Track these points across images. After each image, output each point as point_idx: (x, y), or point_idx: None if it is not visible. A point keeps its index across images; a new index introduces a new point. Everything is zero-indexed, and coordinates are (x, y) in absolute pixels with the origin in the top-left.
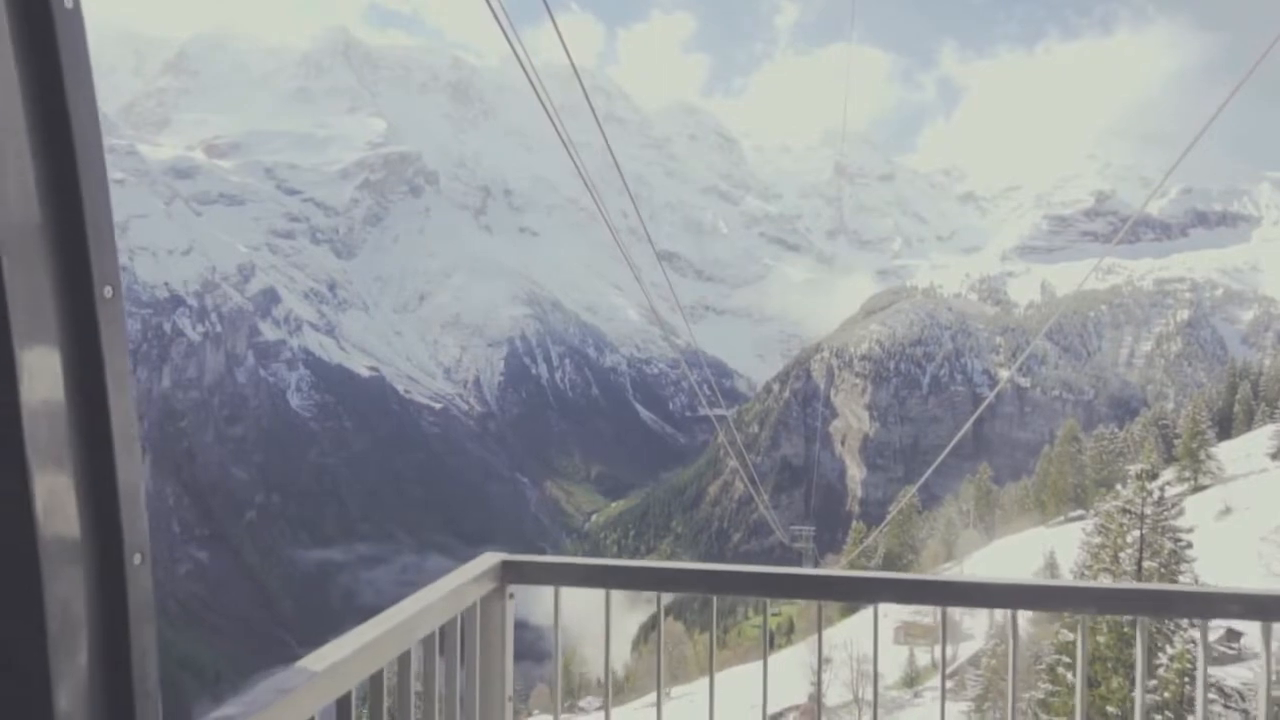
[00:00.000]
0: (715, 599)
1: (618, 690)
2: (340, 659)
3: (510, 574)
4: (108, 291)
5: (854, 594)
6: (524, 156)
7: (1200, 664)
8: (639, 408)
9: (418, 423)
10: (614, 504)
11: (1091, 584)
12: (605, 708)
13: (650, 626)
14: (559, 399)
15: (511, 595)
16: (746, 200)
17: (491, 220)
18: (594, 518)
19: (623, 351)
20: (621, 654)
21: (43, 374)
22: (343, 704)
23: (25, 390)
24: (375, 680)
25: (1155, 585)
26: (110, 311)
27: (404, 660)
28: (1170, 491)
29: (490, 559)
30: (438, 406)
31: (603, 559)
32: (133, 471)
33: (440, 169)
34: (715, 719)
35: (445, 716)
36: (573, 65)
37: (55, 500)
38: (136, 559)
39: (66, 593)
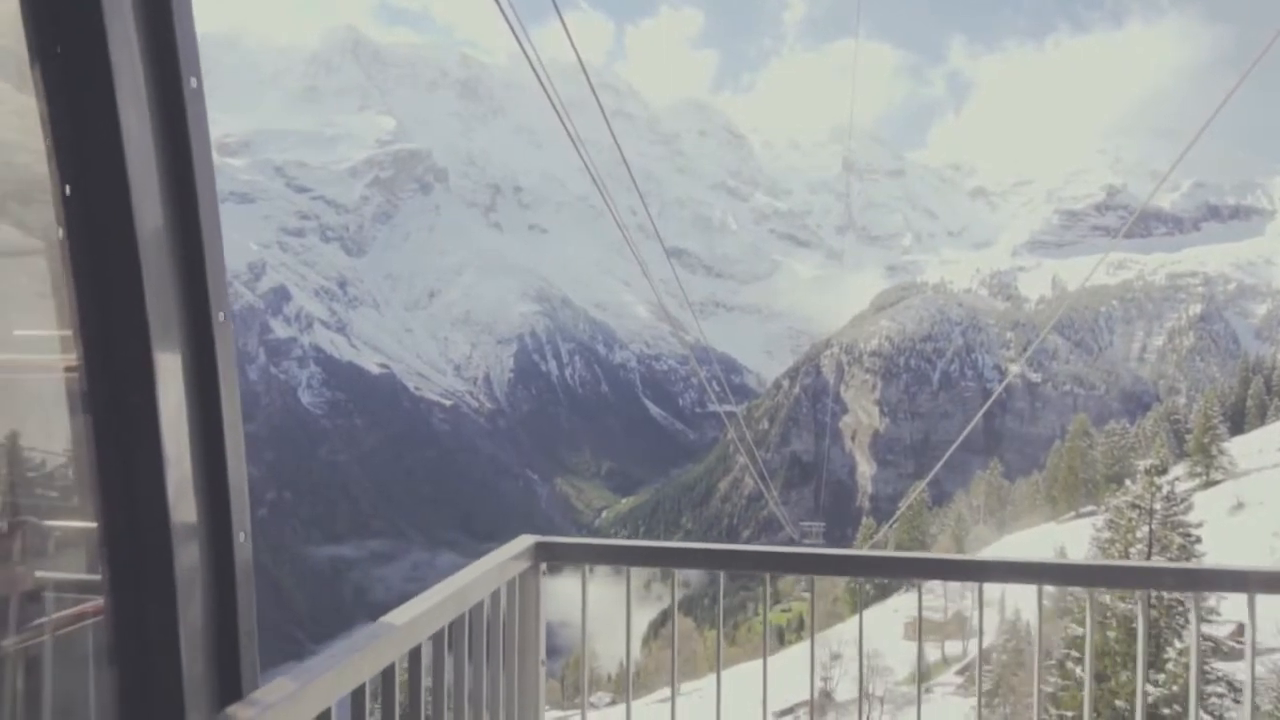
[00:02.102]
0: (722, 577)
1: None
2: (411, 618)
3: (543, 553)
4: (221, 316)
5: (870, 571)
6: (533, 153)
7: (1193, 627)
8: (649, 404)
9: (428, 420)
10: (624, 500)
11: (1099, 562)
12: (626, 683)
13: (661, 623)
14: (569, 395)
15: (544, 572)
16: (755, 196)
17: (501, 217)
18: (604, 514)
19: (632, 348)
20: (632, 650)
21: (172, 382)
22: (414, 655)
23: (160, 395)
24: (437, 638)
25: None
26: (223, 332)
27: (458, 623)
28: (1181, 487)
29: (525, 540)
30: (448, 403)
31: (627, 540)
32: (238, 466)
33: (450, 166)
34: (725, 712)
35: (490, 674)
36: (580, 62)
37: (181, 489)
38: (241, 537)
39: (188, 563)
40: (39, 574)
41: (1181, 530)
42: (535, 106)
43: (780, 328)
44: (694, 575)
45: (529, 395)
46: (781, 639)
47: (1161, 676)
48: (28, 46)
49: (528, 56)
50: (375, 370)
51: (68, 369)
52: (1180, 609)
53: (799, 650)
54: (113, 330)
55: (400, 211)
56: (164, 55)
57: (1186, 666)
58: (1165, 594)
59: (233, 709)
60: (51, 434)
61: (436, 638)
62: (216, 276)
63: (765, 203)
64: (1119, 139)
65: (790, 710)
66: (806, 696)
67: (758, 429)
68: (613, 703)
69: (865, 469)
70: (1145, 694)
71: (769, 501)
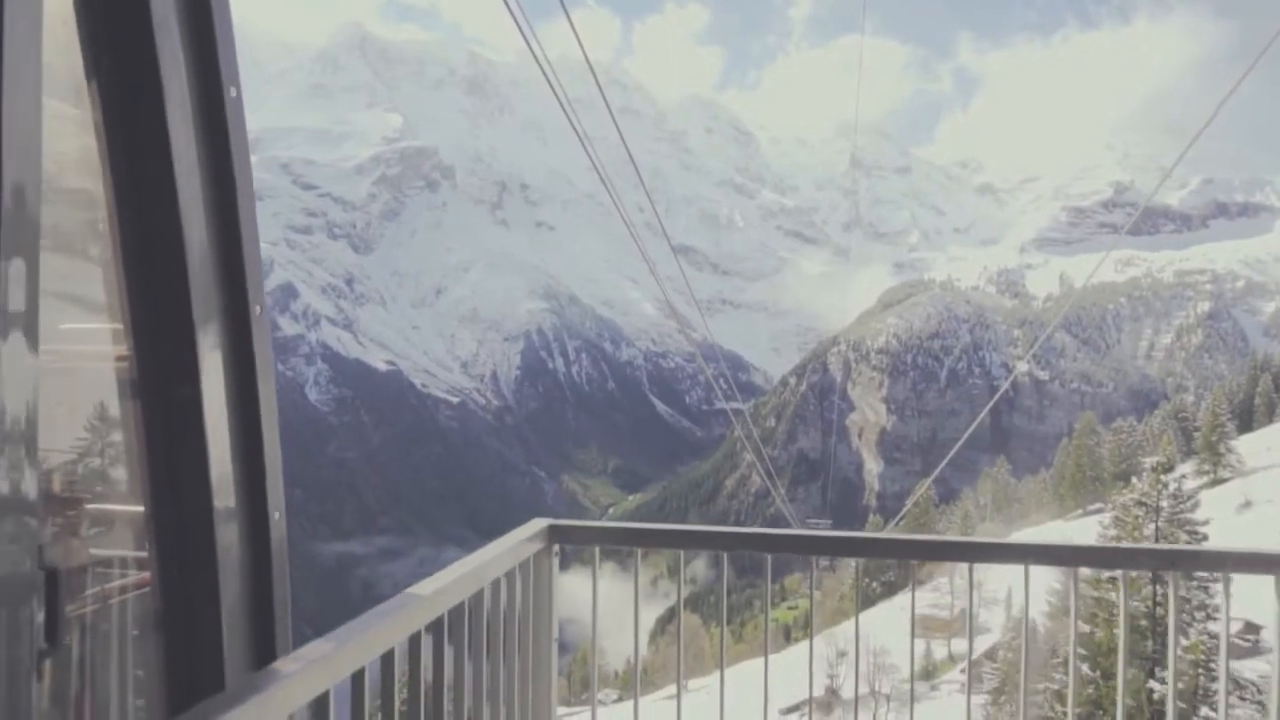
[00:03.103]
0: (725, 558)
1: (632, 684)
2: (434, 591)
3: (556, 535)
4: (258, 309)
5: (867, 552)
6: (540, 151)
7: (1172, 608)
8: (655, 401)
9: (435, 417)
10: (631, 497)
11: (1081, 543)
12: (635, 663)
13: (667, 619)
14: (575, 393)
15: (557, 554)
16: (762, 193)
17: (508, 214)
18: (611, 511)
19: (639, 345)
20: (639, 647)
21: (214, 373)
22: (436, 625)
23: (204, 384)
24: (457, 610)
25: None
26: (260, 325)
27: (477, 597)
28: (1189, 485)
29: (539, 523)
30: (455, 400)
31: (636, 523)
32: (274, 449)
33: (457, 163)
34: (732, 709)
35: (505, 652)
36: (587, 60)
37: (222, 470)
38: (276, 515)
39: (229, 539)
40: (92, 550)
41: (1188, 528)
42: (542, 104)
43: (787, 325)
44: (700, 572)
45: (536, 392)
46: (788, 636)
47: (1167, 673)
48: (84, 61)
49: (535, 54)
50: (382, 367)
51: (117, 359)
52: (1188, 605)
53: (805, 648)
54: (160, 323)
55: (407, 209)
56: (207, 67)
57: (1194, 664)
58: (1166, 588)
59: (278, 663)
60: (105, 420)
61: (457, 610)
62: (254, 272)
63: (772, 200)
64: (1127, 135)
65: (796, 707)
66: (810, 694)
67: (764, 426)
68: (619, 699)
69: (872, 466)
70: (1125, 674)
71: (776, 499)
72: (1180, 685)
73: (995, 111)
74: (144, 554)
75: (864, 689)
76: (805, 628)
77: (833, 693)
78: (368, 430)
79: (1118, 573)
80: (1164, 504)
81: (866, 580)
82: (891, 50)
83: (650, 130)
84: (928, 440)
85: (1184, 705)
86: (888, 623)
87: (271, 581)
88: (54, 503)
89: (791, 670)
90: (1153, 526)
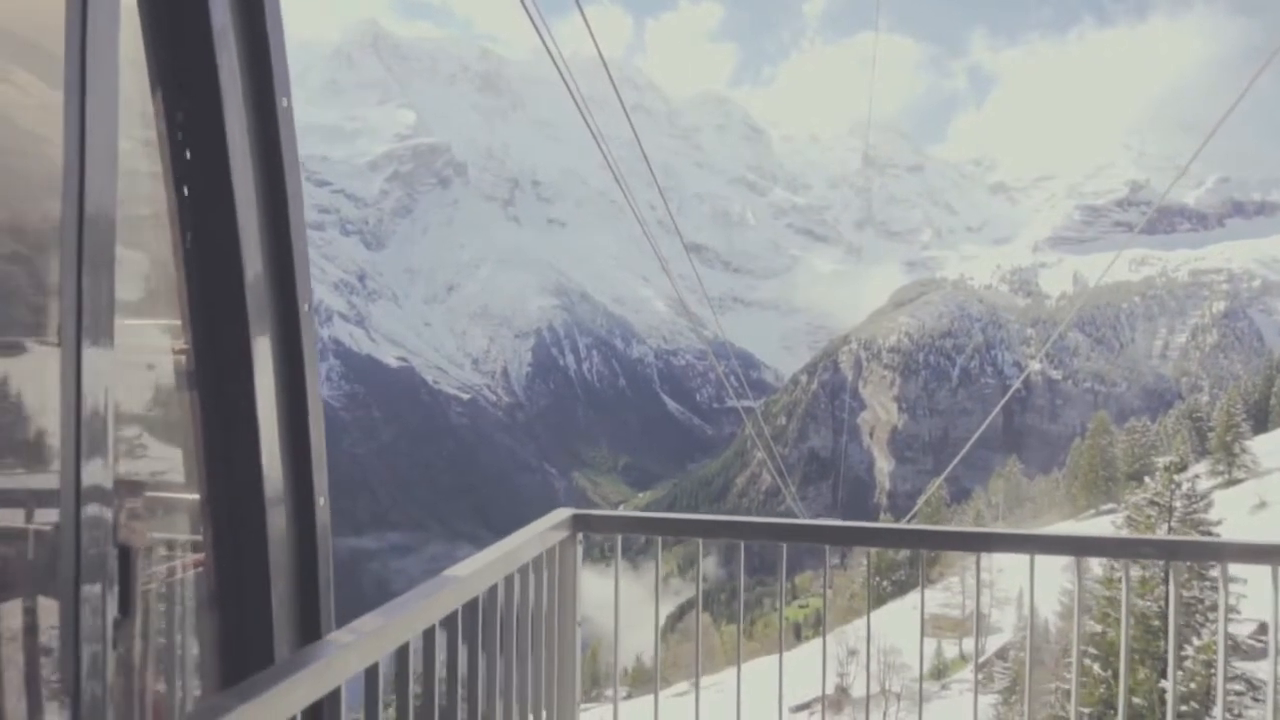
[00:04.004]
0: (743, 547)
1: (646, 680)
2: (471, 573)
3: (579, 524)
4: (305, 307)
5: (881, 542)
6: (552, 148)
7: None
8: (666, 399)
9: (446, 413)
10: (641, 495)
11: (1084, 533)
12: (655, 651)
13: (678, 617)
14: (586, 390)
15: (580, 541)
16: (774, 191)
17: (520, 211)
18: (620, 508)
19: (650, 343)
20: (649, 645)
21: (265, 367)
22: (471, 605)
23: (256, 377)
24: (489, 594)
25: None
26: (307, 321)
27: (508, 581)
28: (1203, 485)
29: (563, 512)
30: (466, 397)
31: (656, 512)
32: (319, 438)
33: (469, 160)
34: (743, 706)
35: (534, 632)
36: (601, 57)
37: (272, 458)
38: (321, 500)
39: (278, 523)
40: (152, 534)
41: (1202, 528)
42: (554, 101)
43: (798, 323)
44: (710, 570)
45: (546, 389)
46: (798, 634)
47: (1179, 673)
48: (149, 74)
49: (549, 51)
50: (394, 363)
51: (175, 353)
52: (1200, 606)
53: (816, 646)
54: (217, 320)
55: (419, 205)
56: (261, 79)
57: (1205, 664)
58: (1180, 589)
59: (334, 635)
60: (167, 411)
61: (489, 593)
62: (302, 271)
63: (784, 197)
64: (1143, 133)
65: (806, 705)
66: (823, 692)
67: (775, 425)
68: (628, 696)
69: (883, 465)
70: (1130, 652)
71: (787, 497)
72: (1192, 685)
73: (1009, 109)
74: (198, 537)
75: (875, 688)
76: (816, 626)
77: (843, 691)
78: (379, 426)
79: (1122, 563)
80: (1177, 504)
81: (877, 579)
82: (905, 47)
83: (662, 127)
84: (939, 439)
85: (1196, 705)
86: (898, 622)
87: (317, 563)
88: (120, 487)
89: (802, 668)
90: (1165, 527)
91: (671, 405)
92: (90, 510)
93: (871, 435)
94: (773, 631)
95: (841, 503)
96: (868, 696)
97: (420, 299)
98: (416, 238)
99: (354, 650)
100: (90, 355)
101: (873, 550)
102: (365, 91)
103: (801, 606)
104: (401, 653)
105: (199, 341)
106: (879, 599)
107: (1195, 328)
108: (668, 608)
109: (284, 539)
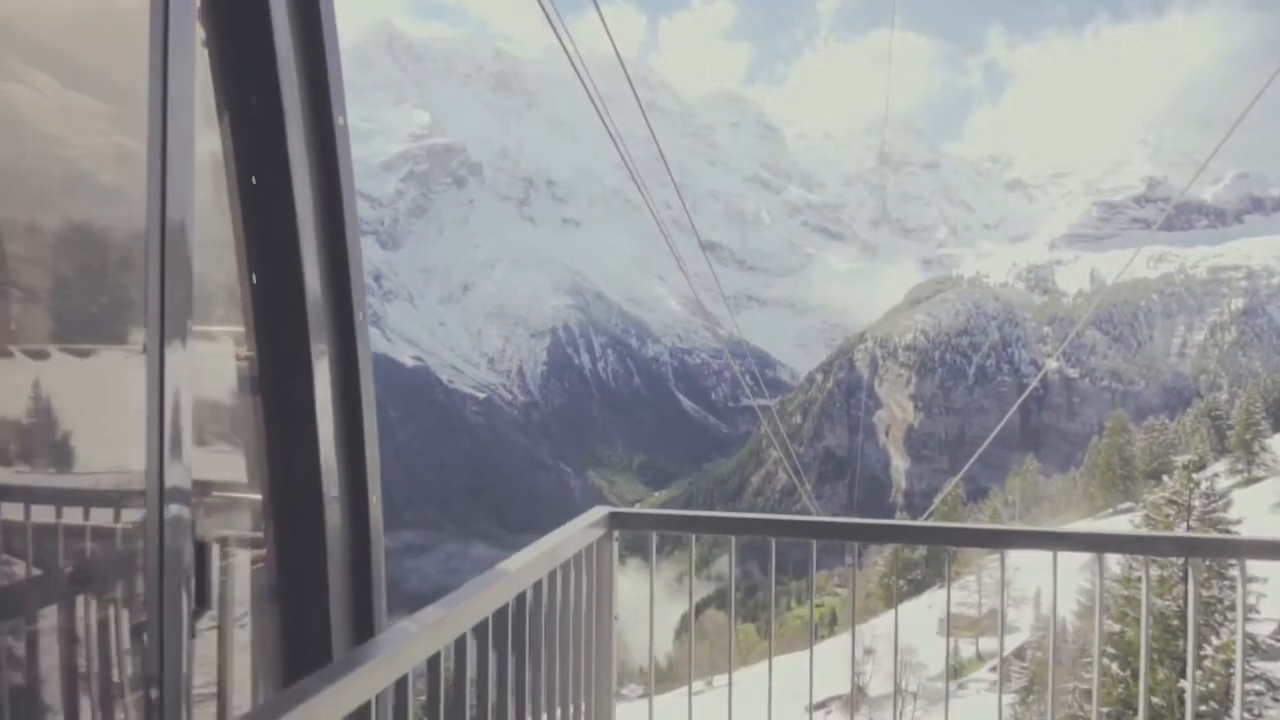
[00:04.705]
0: (774, 543)
1: (660, 679)
2: (518, 568)
3: (616, 522)
4: (360, 316)
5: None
6: (566, 147)
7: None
8: (681, 398)
9: (462, 412)
10: (657, 494)
11: (1105, 531)
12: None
13: (694, 615)
14: (601, 389)
15: (616, 538)
16: (789, 189)
17: (534, 211)
18: (636, 507)
19: (665, 342)
20: (664, 644)
21: (322, 375)
22: (520, 599)
23: (316, 383)
24: (536, 587)
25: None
26: (362, 330)
27: (551, 577)
28: (1222, 484)
29: (600, 511)
30: (481, 396)
31: (690, 510)
32: (373, 440)
33: (484, 160)
34: (761, 705)
35: (574, 626)
36: (618, 55)
37: (329, 460)
38: (374, 498)
39: (335, 521)
40: (221, 531)
41: (1221, 527)
42: (569, 100)
43: (813, 321)
44: (724, 570)
45: (562, 388)
46: (815, 633)
47: (1199, 673)
48: (215, 96)
49: (566, 50)
50: (409, 363)
51: (240, 359)
52: (1219, 605)
53: (831, 645)
54: (279, 327)
55: (434, 205)
56: (320, 100)
57: (1224, 663)
58: (1200, 588)
59: (403, 623)
60: (232, 414)
61: (536, 586)
62: (358, 282)
63: (799, 195)
64: (1160, 130)
65: (823, 704)
66: (838, 691)
67: (791, 423)
68: (643, 696)
69: (899, 464)
70: (1150, 650)
71: (802, 496)
72: (1211, 685)
73: (1025, 106)
74: (259, 534)
75: (891, 687)
76: (832, 625)
77: (859, 690)
78: (395, 426)
79: (1142, 561)
80: (1196, 503)
81: (893, 578)
82: (920, 44)
83: (676, 126)
84: (955, 438)
85: (1215, 705)
86: (914, 621)
87: (370, 558)
88: (194, 486)
89: (818, 667)
90: (1184, 525)
91: (687, 404)
92: (172, 509)
93: (887, 434)
94: (787, 630)
95: (857, 502)
96: (896, 692)
97: (435, 299)
98: (432, 238)
99: (419, 640)
100: (171, 361)
101: (889, 549)
102: (380, 92)
103: (818, 605)
104: (460, 643)
105: (262, 348)
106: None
107: (1214, 325)
108: (682, 607)
109: (340, 534)
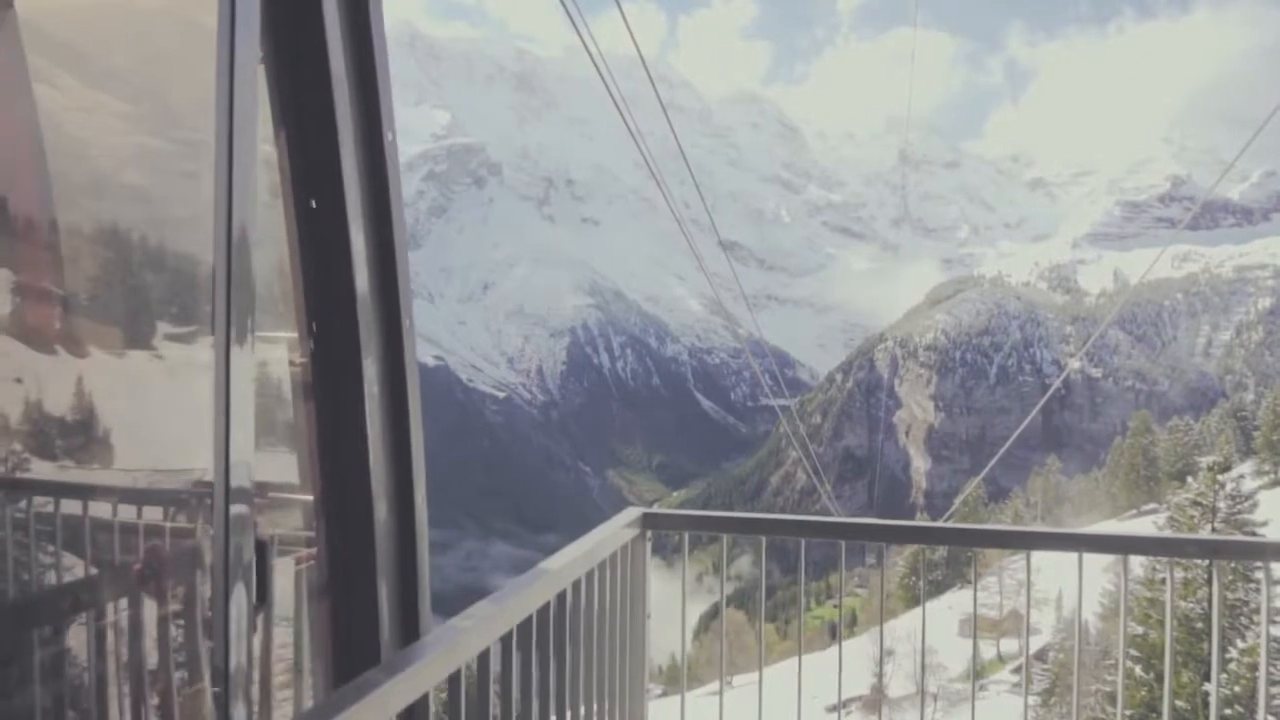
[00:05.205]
0: (804, 544)
1: (675, 679)
2: (559, 567)
3: (648, 522)
4: (407, 323)
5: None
6: (586, 147)
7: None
8: (700, 397)
9: (481, 411)
10: (676, 493)
11: (1130, 533)
12: (721, 644)
13: (711, 616)
14: (620, 388)
15: (648, 538)
16: (809, 189)
17: (554, 210)
18: (655, 506)
19: (684, 341)
20: (682, 642)
21: (371, 379)
22: (561, 597)
23: (365, 387)
24: (575, 586)
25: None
26: (409, 336)
27: (590, 576)
28: (1248, 485)
29: (633, 512)
30: (501, 395)
31: (720, 511)
32: (419, 442)
33: (504, 160)
34: (779, 705)
35: (610, 623)
36: (639, 53)
37: (378, 460)
38: (419, 498)
39: (383, 519)
40: (276, 530)
41: (1247, 529)
42: (589, 100)
43: (834, 321)
44: (744, 569)
45: (581, 388)
46: (833, 634)
47: (1224, 676)
48: (272, 113)
49: (587, 49)
50: (429, 362)
51: (293, 364)
52: (1244, 608)
53: (851, 645)
54: (332, 334)
55: (455, 205)
56: (371, 116)
57: (1249, 667)
58: (1225, 590)
59: (454, 620)
60: (287, 416)
61: (575, 585)
62: (405, 290)
63: (819, 195)
64: (1185, 127)
65: (843, 705)
66: (858, 692)
67: (810, 423)
68: (663, 694)
69: (920, 464)
70: (1174, 653)
71: (822, 496)
72: (1236, 689)
73: (1047, 104)
74: (311, 533)
75: (911, 688)
76: (851, 626)
77: (879, 691)
78: None
79: (1166, 563)
80: (1221, 504)
81: (913, 579)
82: (940, 42)
83: (696, 125)
84: (976, 438)
85: (1240, 709)
86: (935, 623)
87: (417, 556)
88: (255, 486)
89: (836, 668)
90: (1209, 527)
91: (706, 404)
92: (235, 509)
93: (907, 434)
94: (807, 631)
95: (877, 502)
96: (921, 693)
97: (455, 298)
98: (452, 237)
99: (474, 634)
100: (236, 365)
101: (909, 549)
102: (401, 92)
103: (835, 606)
104: (505, 640)
105: (315, 354)
106: (915, 599)
107: (1240, 325)
108: (701, 607)
109: (389, 535)
